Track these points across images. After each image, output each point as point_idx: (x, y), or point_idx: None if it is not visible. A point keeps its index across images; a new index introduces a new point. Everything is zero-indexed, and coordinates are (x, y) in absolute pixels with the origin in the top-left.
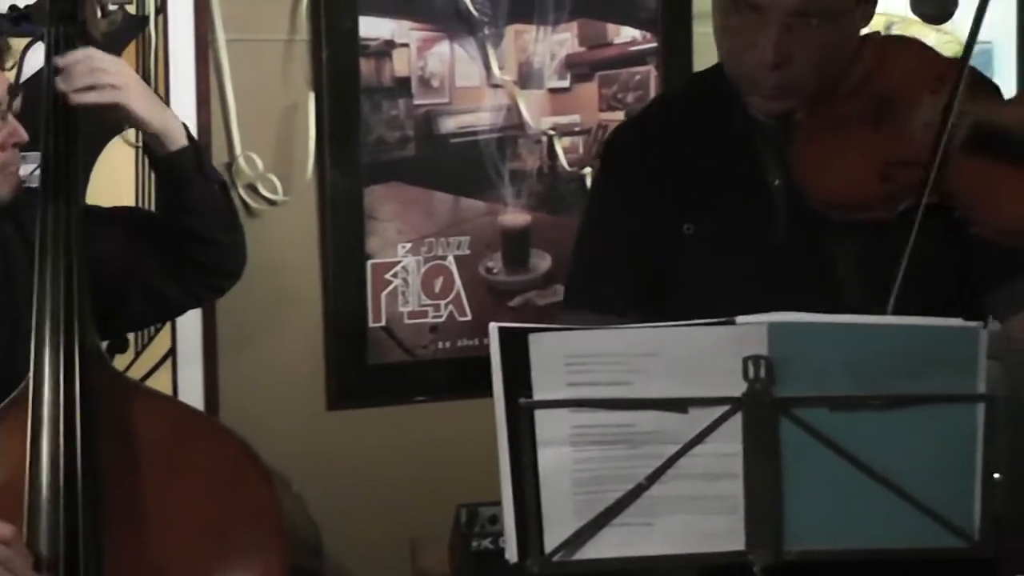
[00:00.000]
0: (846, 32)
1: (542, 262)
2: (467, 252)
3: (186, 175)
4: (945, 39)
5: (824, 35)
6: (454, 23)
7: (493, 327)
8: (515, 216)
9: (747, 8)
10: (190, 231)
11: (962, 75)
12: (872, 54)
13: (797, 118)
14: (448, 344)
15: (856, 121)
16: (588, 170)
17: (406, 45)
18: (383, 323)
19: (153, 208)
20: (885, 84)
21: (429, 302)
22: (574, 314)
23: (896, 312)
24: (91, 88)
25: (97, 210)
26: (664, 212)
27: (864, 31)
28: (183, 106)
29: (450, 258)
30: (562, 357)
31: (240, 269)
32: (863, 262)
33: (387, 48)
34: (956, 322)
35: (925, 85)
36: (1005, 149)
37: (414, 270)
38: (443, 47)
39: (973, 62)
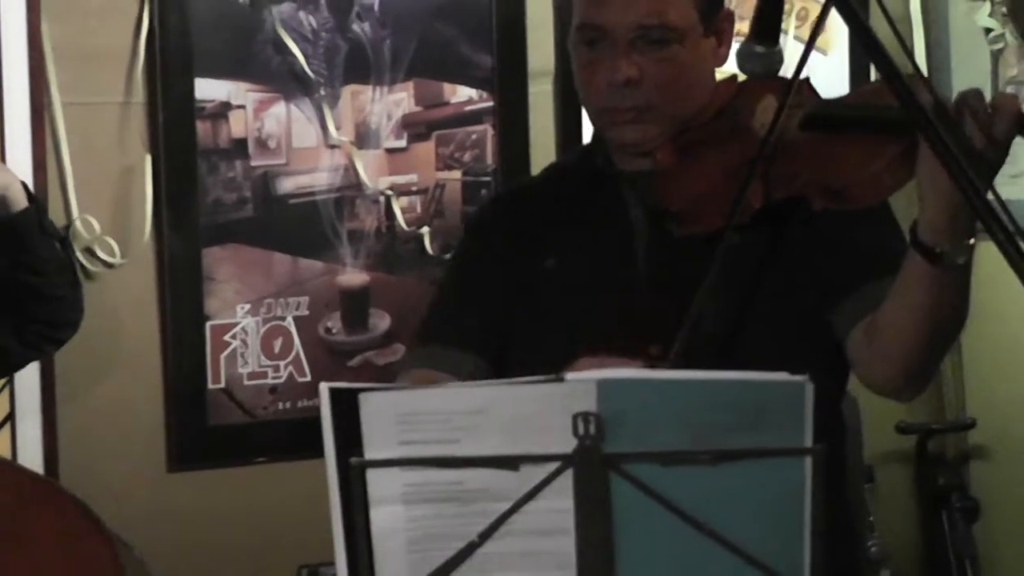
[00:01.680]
0: (692, 56)
1: (381, 322)
2: (306, 313)
3: (28, 235)
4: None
5: (670, 53)
6: (290, 84)
7: (323, 387)
8: (353, 276)
9: (592, 36)
10: (32, 289)
11: (800, 67)
12: (726, 91)
13: (656, 156)
14: (288, 405)
15: (713, 150)
16: (426, 229)
17: (242, 107)
18: (223, 384)
19: None
20: (742, 113)
21: (268, 363)
22: (425, 349)
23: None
24: None
25: None
26: (527, 251)
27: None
28: (19, 169)
29: (289, 319)
30: (392, 416)
31: (79, 321)
32: (721, 288)
33: (223, 110)
34: (783, 376)
35: (766, 95)
36: (835, 121)
37: (253, 331)
38: (279, 108)
39: None
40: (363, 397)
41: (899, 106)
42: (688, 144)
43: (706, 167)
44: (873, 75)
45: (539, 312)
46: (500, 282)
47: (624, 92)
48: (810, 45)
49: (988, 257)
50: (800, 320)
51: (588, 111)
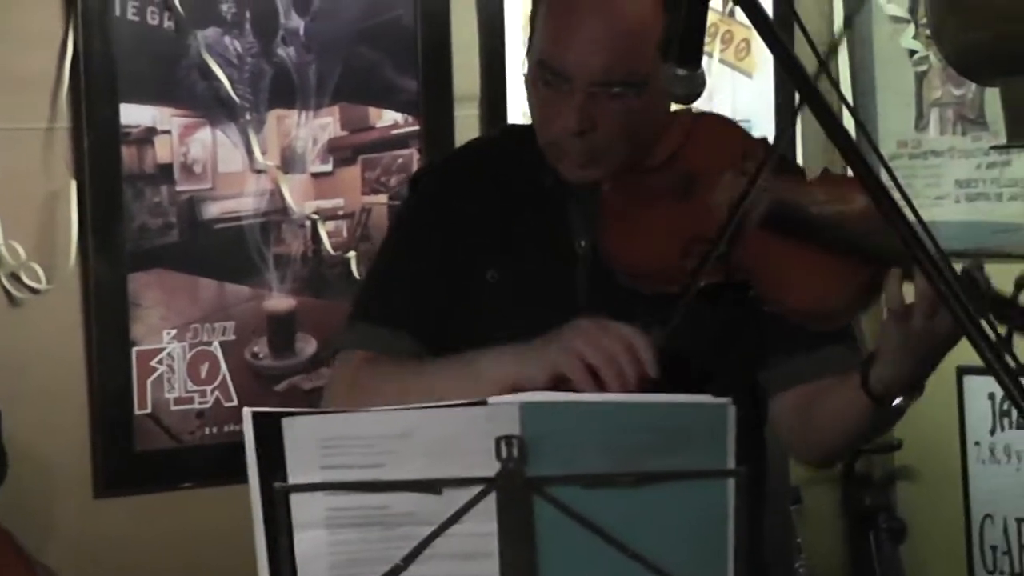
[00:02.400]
0: (650, 103)
1: (308, 346)
2: (232, 338)
3: None
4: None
5: (627, 104)
6: (215, 109)
7: (246, 412)
8: (280, 301)
9: (553, 78)
10: None
11: (768, 158)
12: (681, 130)
13: (603, 190)
14: (215, 430)
15: (662, 195)
16: (352, 254)
17: (168, 132)
18: (149, 410)
19: None
20: (692, 160)
21: (195, 388)
22: (361, 326)
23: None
24: None
25: None
26: (469, 254)
27: (674, 108)
28: None
29: (215, 344)
30: (316, 440)
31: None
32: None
33: (148, 135)
34: (706, 398)
35: (729, 162)
36: (800, 229)
37: (179, 356)
38: (205, 133)
39: None
40: (286, 422)
41: (880, 238)
42: (638, 188)
43: (652, 224)
44: (797, 99)
45: (477, 321)
46: (440, 274)
47: (576, 140)
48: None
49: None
50: (728, 352)
51: (538, 137)
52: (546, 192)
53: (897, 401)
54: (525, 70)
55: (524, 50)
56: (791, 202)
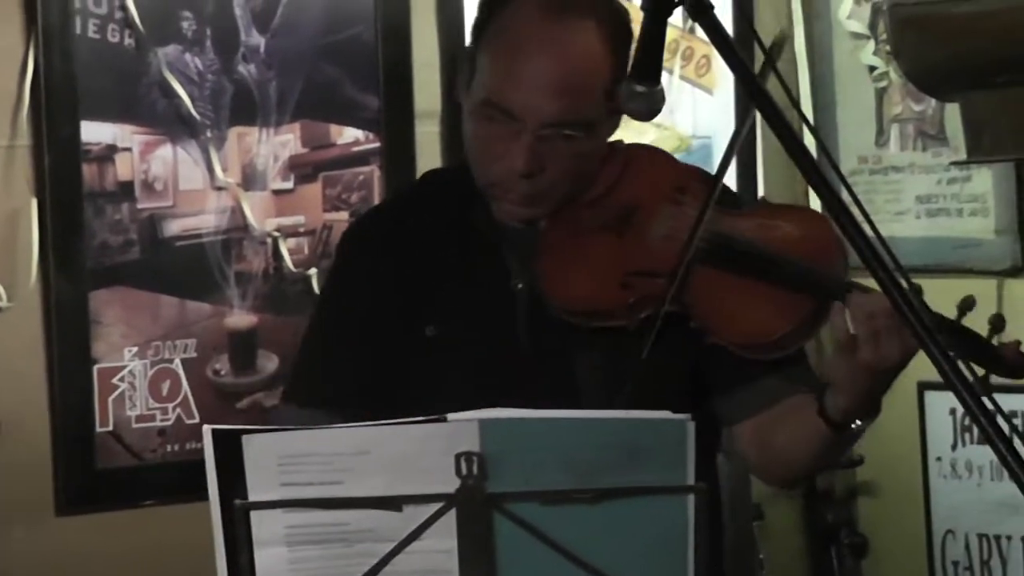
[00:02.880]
0: (596, 142)
1: (269, 363)
2: (194, 355)
3: None
4: (665, 134)
5: (576, 146)
6: (176, 127)
7: (206, 429)
8: (241, 318)
9: (501, 117)
10: None
11: (713, 194)
12: (618, 163)
13: (540, 227)
14: (177, 447)
15: (598, 230)
16: (313, 271)
17: (128, 149)
18: (110, 428)
19: None
20: (629, 193)
21: (157, 406)
22: (291, 409)
23: None
24: None
25: None
26: (402, 309)
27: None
28: None
29: (177, 361)
30: (275, 458)
31: None
32: (603, 369)
33: (109, 152)
34: (665, 414)
35: (666, 196)
36: (739, 264)
37: (141, 374)
38: (166, 150)
39: (694, 156)
40: (246, 439)
41: (822, 271)
42: (575, 222)
43: (589, 259)
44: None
45: (418, 381)
46: (372, 339)
47: (522, 181)
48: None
49: None
50: (680, 379)
51: (475, 174)
52: (478, 235)
53: (855, 424)
54: (466, 103)
55: (461, 82)
56: (730, 235)
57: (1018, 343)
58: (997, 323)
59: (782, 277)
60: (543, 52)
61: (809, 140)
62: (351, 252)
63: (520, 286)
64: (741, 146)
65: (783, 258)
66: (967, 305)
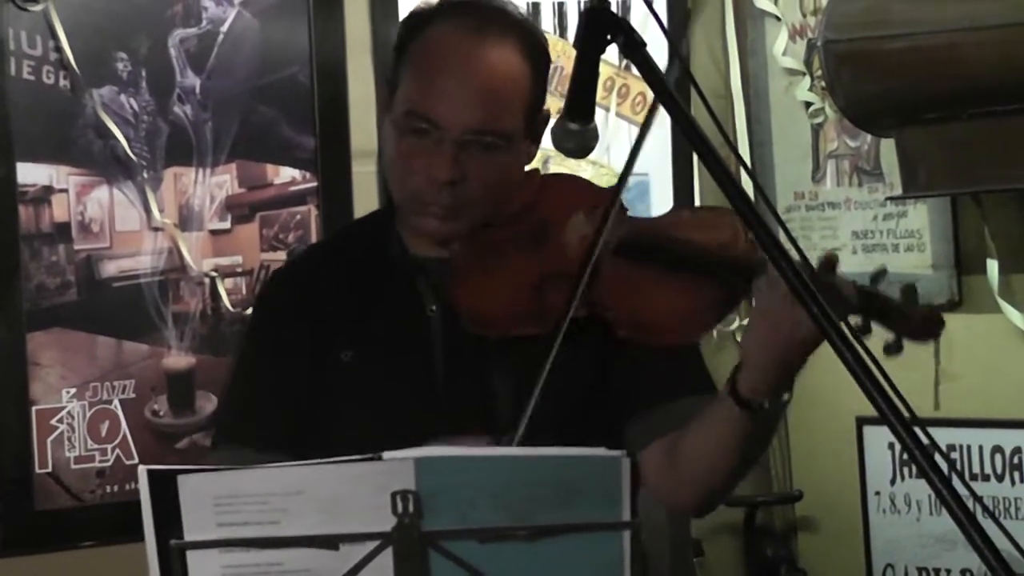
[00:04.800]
0: (515, 159)
1: (208, 404)
2: (132, 396)
3: None
4: (601, 171)
5: (496, 158)
6: (112, 167)
7: (142, 470)
8: (179, 359)
9: (423, 127)
10: None
11: (620, 189)
12: (532, 187)
13: (452, 249)
14: (115, 488)
15: (513, 246)
16: (251, 311)
17: (64, 190)
18: (49, 469)
19: None
20: (543, 212)
21: (96, 446)
22: (221, 452)
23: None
24: None
25: None
26: (320, 340)
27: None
28: None
29: (115, 402)
30: (211, 498)
31: None
32: (518, 387)
33: (45, 194)
34: (600, 451)
35: (579, 209)
36: (649, 252)
37: (79, 415)
38: (102, 191)
39: (630, 193)
40: (181, 479)
41: (731, 255)
42: (487, 244)
43: (503, 274)
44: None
45: (335, 406)
46: (294, 372)
47: (444, 191)
48: (629, 167)
49: None
50: (588, 410)
51: (394, 194)
52: (393, 268)
53: (764, 405)
54: (386, 123)
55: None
56: (644, 227)
57: (929, 307)
58: (908, 292)
59: (689, 261)
60: (465, 62)
61: (746, 178)
62: (268, 294)
63: (433, 309)
64: (678, 184)
65: (689, 241)
66: (879, 275)
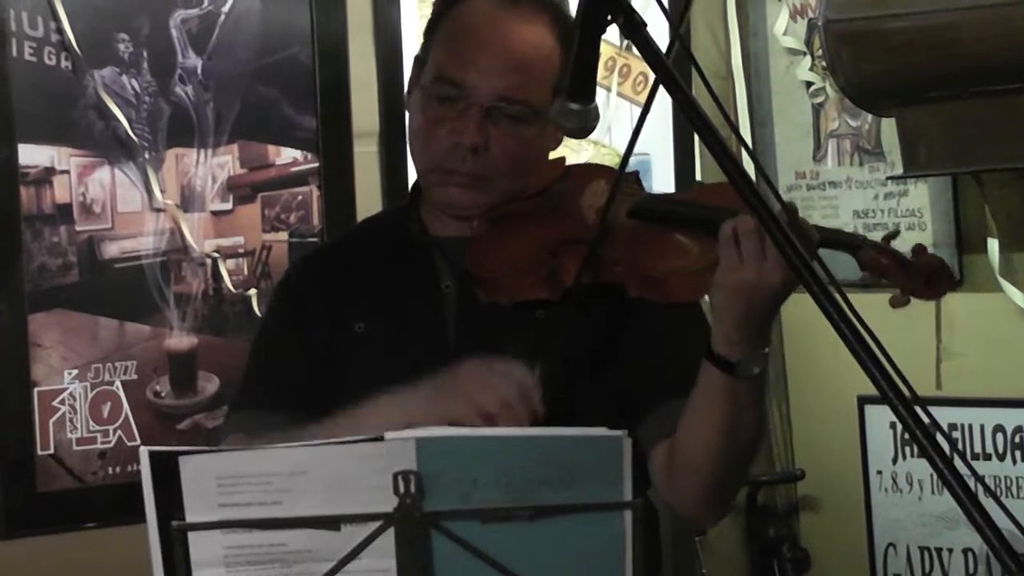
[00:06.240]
0: (539, 134)
1: (209, 384)
2: (134, 377)
3: None
4: (603, 151)
5: (520, 130)
6: (114, 148)
7: (143, 451)
8: (181, 339)
9: (451, 92)
10: None
11: (630, 150)
12: (557, 173)
13: (473, 225)
14: (117, 469)
15: (529, 219)
16: (253, 291)
17: (66, 172)
18: (51, 450)
19: None
20: (562, 189)
21: (97, 428)
22: (238, 415)
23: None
24: None
25: None
26: (337, 314)
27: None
28: None
29: (117, 383)
30: (212, 479)
31: None
32: (533, 360)
33: (47, 175)
34: (601, 431)
35: (596, 180)
36: (660, 214)
37: (81, 396)
38: (104, 173)
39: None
40: (183, 460)
41: (728, 211)
42: (505, 216)
43: (519, 240)
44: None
45: (345, 375)
46: (310, 344)
47: (467, 156)
48: (634, 138)
49: (812, 309)
50: (606, 398)
51: (418, 166)
52: (412, 246)
53: (741, 360)
54: (414, 96)
55: (411, 84)
56: (658, 196)
57: (938, 259)
58: (892, 235)
59: (697, 220)
60: (497, 32)
61: (747, 158)
62: (292, 276)
63: (448, 285)
64: (680, 164)
65: (699, 202)
66: (890, 236)
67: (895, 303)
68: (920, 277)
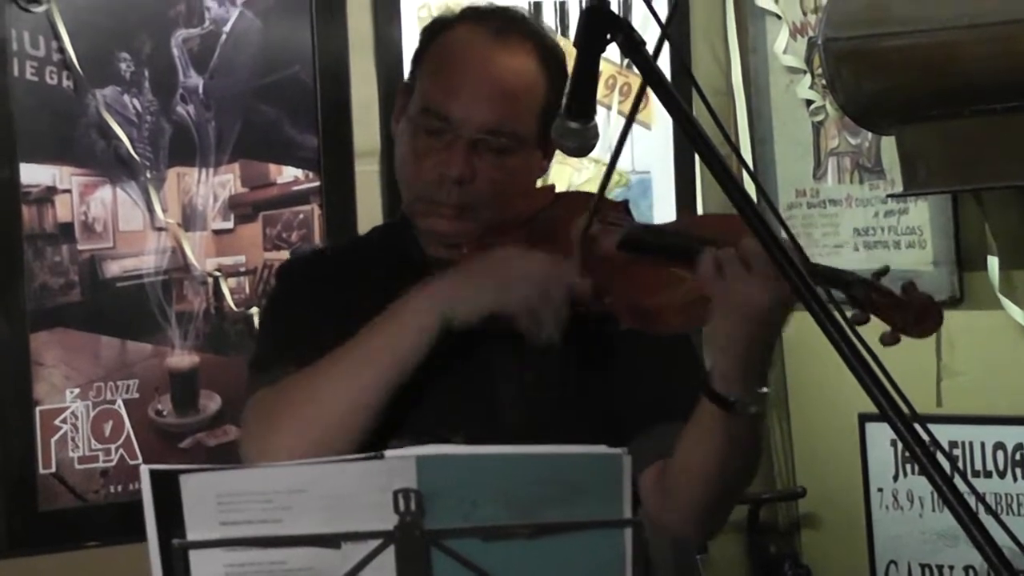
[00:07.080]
0: (524, 165)
1: (211, 403)
2: (136, 395)
3: None
4: (603, 169)
5: (506, 161)
6: (115, 168)
7: (144, 469)
8: (182, 358)
9: (437, 125)
10: None
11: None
12: (546, 200)
13: (463, 248)
14: (119, 488)
15: (518, 245)
16: (255, 310)
17: (68, 191)
18: (53, 469)
19: None
20: (552, 217)
21: (99, 447)
22: (253, 376)
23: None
24: None
25: None
26: (336, 315)
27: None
28: None
29: (119, 402)
30: (213, 497)
31: None
32: (526, 378)
33: (49, 194)
34: (601, 449)
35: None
36: (650, 246)
37: (83, 415)
38: (105, 192)
39: (633, 191)
40: (183, 478)
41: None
42: (495, 244)
43: None
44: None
45: None
46: (321, 320)
47: (452, 189)
48: (616, 154)
49: (812, 327)
50: (594, 419)
51: (405, 194)
52: (409, 266)
53: (739, 399)
54: (400, 125)
55: (396, 111)
56: (648, 226)
57: (928, 297)
58: (882, 271)
59: (687, 250)
60: (483, 63)
61: (747, 176)
62: (292, 267)
63: None
64: (680, 182)
65: (688, 233)
66: (881, 272)
67: (886, 341)
68: (911, 315)
